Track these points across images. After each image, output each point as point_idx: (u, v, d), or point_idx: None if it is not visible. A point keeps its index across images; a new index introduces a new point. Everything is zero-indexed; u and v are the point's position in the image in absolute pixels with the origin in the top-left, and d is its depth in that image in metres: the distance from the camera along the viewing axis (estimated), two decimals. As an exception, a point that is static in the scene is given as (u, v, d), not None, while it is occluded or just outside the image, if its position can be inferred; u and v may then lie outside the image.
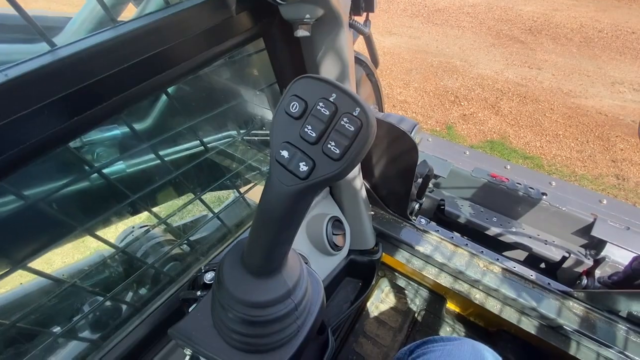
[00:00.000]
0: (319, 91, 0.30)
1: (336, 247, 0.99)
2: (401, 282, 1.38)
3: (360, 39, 1.04)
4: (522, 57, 4.41)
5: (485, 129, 3.31)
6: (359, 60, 1.02)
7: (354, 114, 0.28)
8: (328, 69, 0.64)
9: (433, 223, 1.23)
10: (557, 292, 0.94)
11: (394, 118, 1.00)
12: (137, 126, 0.77)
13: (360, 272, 1.22)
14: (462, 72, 4.11)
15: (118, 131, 0.67)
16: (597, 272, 1.15)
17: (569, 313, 0.90)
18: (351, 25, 0.61)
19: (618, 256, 1.15)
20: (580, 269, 1.23)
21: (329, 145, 0.29)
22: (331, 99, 0.29)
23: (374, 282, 1.22)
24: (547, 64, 4.25)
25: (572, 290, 0.93)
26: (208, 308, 0.48)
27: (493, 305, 1.02)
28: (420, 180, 1.18)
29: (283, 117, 0.31)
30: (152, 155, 0.65)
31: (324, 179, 0.30)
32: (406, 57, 4.48)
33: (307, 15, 0.49)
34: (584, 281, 1.11)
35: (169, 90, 0.76)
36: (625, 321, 0.87)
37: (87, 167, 0.51)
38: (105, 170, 0.73)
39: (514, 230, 1.36)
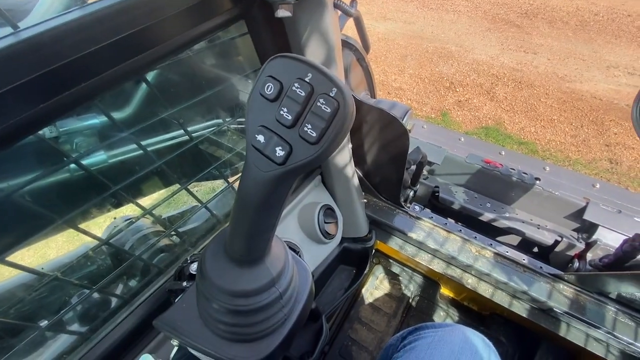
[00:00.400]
0: (294, 71, 0.28)
1: (328, 236, 0.99)
2: (395, 269, 1.39)
3: (351, 22, 1.01)
4: (518, 41, 4.35)
5: (480, 115, 3.29)
6: (348, 45, 1.00)
7: (330, 94, 0.27)
8: (313, 52, 0.62)
9: (427, 210, 1.23)
10: (548, 276, 0.95)
11: (386, 104, 0.98)
12: (117, 115, 0.75)
13: (354, 259, 1.23)
14: (457, 58, 4.06)
15: (97, 120, 0.64)
16: (589, 255, 1.16)
17: (560, 296, 0.91)
18: (336, 6, 0.59)
19: (609, 239, 1.15)
20: (572, 253, 1.24)
21: (306, 129, 0.27)
22: (307, 79, 0.27)
23: (367, 269, 1.23)
24: (543, 48, 4.21)
25: (563, 273, 0.94)
26: (193, 298, 0.48)
27: (485, 290, 1.02)
28: (413, 167, 1.17)
29: (258, 100, 0.30)
30: (135, 145, 0.63)
31: (301, 164, 0.28)
32: (401, 43, 4.41)
33: (288, -6, 0.47)
34: (576, 264, 1.12)
35: (149, 77, 0.74)
36: (614, 302, 0.88)
37: (64, 158, 0.50)
38: (85, 161, 0.71)
39: (507, 215, 1.36)
